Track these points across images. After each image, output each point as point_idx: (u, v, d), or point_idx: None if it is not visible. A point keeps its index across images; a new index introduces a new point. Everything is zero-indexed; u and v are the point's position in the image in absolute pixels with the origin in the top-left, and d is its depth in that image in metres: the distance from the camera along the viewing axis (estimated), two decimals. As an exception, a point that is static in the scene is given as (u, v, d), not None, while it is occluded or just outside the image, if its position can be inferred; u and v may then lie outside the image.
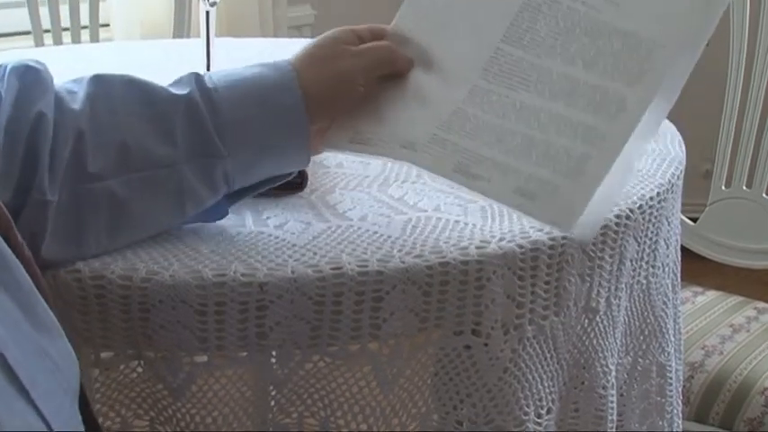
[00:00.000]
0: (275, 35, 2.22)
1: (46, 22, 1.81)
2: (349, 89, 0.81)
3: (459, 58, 0.83)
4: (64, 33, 1.84)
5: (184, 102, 0.77)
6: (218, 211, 0.82)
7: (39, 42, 1.81)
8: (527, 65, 0.80)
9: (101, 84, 0.78)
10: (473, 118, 0.79)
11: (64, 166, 0.74)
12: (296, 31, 2.36)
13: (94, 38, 1.85)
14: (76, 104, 0.76)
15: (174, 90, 0.78)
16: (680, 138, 1.07)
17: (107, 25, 2.04)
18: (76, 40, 1.83)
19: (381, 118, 0.82)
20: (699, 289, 1.56)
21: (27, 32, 1.84)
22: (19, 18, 1.87)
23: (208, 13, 1.08)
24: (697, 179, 1.85)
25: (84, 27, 1.85)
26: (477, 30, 0.83)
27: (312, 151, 0.82)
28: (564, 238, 0.81)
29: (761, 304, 1.53)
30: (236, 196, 0.82)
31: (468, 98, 0.80)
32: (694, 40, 0.78)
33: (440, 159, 0.78)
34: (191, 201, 0.78)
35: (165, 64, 1.35)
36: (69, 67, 1.32)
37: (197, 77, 0.78)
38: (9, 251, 0.59)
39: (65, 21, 1.83)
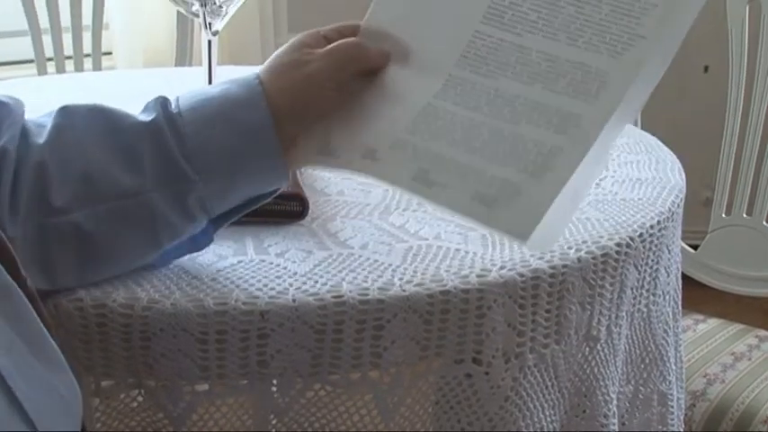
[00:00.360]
0: (277, 63, 2.23)
1: (49, 51, 1.83)
2: (318, 94, 0.77)
3: (437, 46, 0.79)
4: (67, 62, 1.85)
5: (149, 128, 0.75)
6: (203, 239, 0.80)
7: (42, 71, 1.82)
8: (507, 46, 0.76)
9: (67, 115, 0.76)
10: (443, 113, 0.76)
11: (26, 201, 0.73)
12: (297, 58, 2.37)
13: (97, 66, 1.86)
14: (41, 138, 0.75)
15: (139, 117, 0.76)
16: (680, 166, 1.08)
17: (110, 53, 2.05)
18: (79, 68, 1.84)
19: (350, 124, 0.78)
20: (700, 317, 1.56)
21: (30, 61, 1.85)
22: (22, 47, 1.88)
23: (210, 42, 1.08)
24: (697, 206, 1.85)
25: (87, 55, 1.86)
26: (457, 12, 0.79)
27: (292, 165, 0.79)
28: (565, 266, 0.82)
29: (762, 332, 1.52)
30: (220, 220, 0.80)
31: (442, 91, 0.77)
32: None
33: (399, 168, 0.75)
34: (165, 230, 0.76)
35: (167, 92, 1.35)
36: (71, 95, 1.33)
37: (163, 102, 0.77)
38: (15, 285, 0.60)
39: (68, 49, 1.84)
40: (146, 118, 0.76)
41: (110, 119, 0.76)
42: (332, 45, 0.78)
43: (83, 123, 0.76)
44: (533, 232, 0.68)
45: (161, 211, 0.75)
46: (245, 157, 0.75)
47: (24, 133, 0.75)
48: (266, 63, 0.78)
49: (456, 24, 0.79)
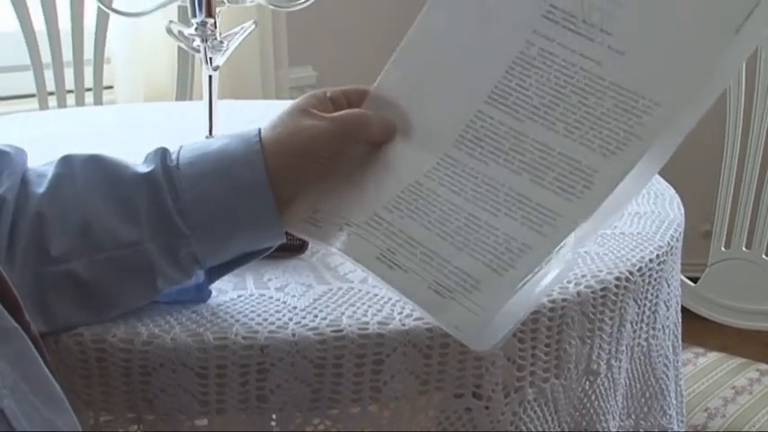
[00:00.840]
0: (277, 96, 2.24)
1: (50, 85, 1.84)
2: (317, 160, 0.76)
3: (439, 122, 0.78)
4: (68, 95, 1.86)
5: (146, 181, 0.75)
6: (201, 292, 0.80)
7: (43, 105, 1.83)
8: (504, 130, 0.75)
9: (67, 164, 0.77)
10: (426, 194, 0.75)
11: (23, 250, 0.73)
12: (298, 92, 2.38)
13: (98, 100, 1.87)
14: (41, 188, 0.75)
15: (138, 168, 0.76)
16: (678, 200, 1.08)
17: (111, 87, 2.06)
18: (80, 102, 1.85)
19: (338, 193, 0.78)
20: (700, 350, 1.56)
21: (32, 95, 1.86)
22: (24, 81, 1.89)
23: (211, 77, 1.09)
24: (697, 239, 1.86)
25: (89, 89, 1.87)
26: (464, 89, 0.78)
27: (287, 224, 0.78)
28: (564, 300, 0.82)
29: (763, 366, 1.52)
30: (217, 273, 0.80)
31: (433, 170, 0.76)
32: (699, 98, 0.71)
33: (368, 245, 0.74)
34: (161, 280, 0.76)
35: (167, 126, 1.36)
36: (73, 130, 1.33)
37: (162, 154, 0.76)
38: (19, 329, 0.60)
39: (69, 83, 1.85)
40: (143, 170, 0.76)
41: (108, 169, 0.77)
42: (338, 114, 0.78)
43: (82, 174, 0.76)
44: (479, 333, 0.68)
45: (156, 260, 0.75)
46: (239, 215, 0.75)
47: (24, 182, 0.76)
48: (270, 120, 0.78)
49: (461, 101, 0.78)
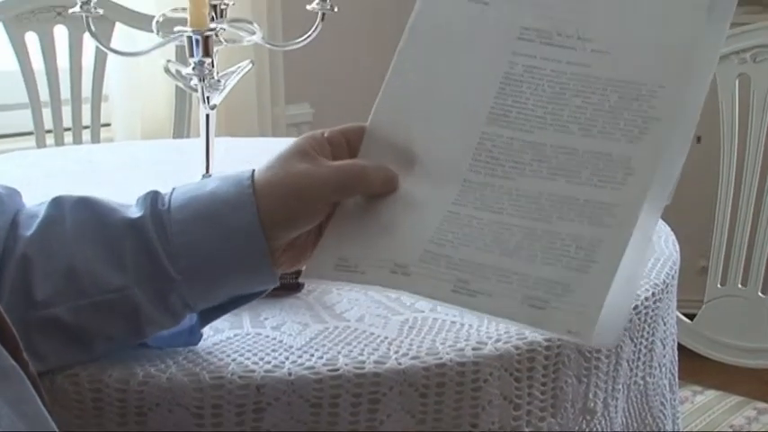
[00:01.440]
0: (274, 134, 2.25)
1: (48, 123, 1.84)
2: (312, 209, 0.74)
3: (445, 150, 0.77)
4: (65, 133, 1.87)
5: (135, 225, 0.74)
6: (193, 335, 0.79)
7: (41, 143, 1.84)
8: (518, 144, 0.74)
9: (57, 206, 0.76)
10: (467, 220, 0.73)
11: (8, 294, 0.73)
12: (294, 129, 2.39)
13: (96, 138, 1.87)
14: (29, 230, 0.75)
15: (127, 213, 0.75)
16: (673, 237, 1.08)
17: (108, 125, 2.07)
18: (78, 140, 1.86)
19: (367, 238, 0.75)
20: (698, 388, 1.56)
21: (29, 133, 1.86)
22: (21, 119, 1.90)
23: (208, 116, 1.10)
24: (693, 275, 1.86)
25: (86, 127, 1.87)
26: (460, 114, 0.77)
27: (281, 268, 0.76)
28: (560, 339, 0.82)
29: (761, 404, 1.52)
30: (209, 317, 0.78)
31: (460, 197, 0.74)
32: (698, 73, 0.73)
33: (436, 281, 0.71)
34: (148, 325, 0.75)
35: (164, 164, 1.36)
36: (70, 167, 1.34)
37: (153, 198, 0.75)
38: (17, 368, 0.60)
39: (66, 121, 1.86)
40: (133, 214, 0.75)
41: (97, 213, 0.76)
42: (337, 164, 0.76)
43: (71, 216, 0.76)
44: (594, 328, 0.66)
45: (143, 306, 0.74)
46: (230, 260, 0.74)
47: (14, 224, 0.76)
48: (265, 163, 0.76)
49: (461, 126, 0.77)
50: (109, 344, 0.76)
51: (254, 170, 0.76)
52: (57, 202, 0.77)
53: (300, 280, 0.78)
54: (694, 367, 1.52)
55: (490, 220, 0.73)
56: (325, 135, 0.78)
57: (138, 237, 0.74)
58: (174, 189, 0.76)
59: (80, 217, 0.76)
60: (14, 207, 0.78)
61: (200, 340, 0.80)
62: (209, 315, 0.78)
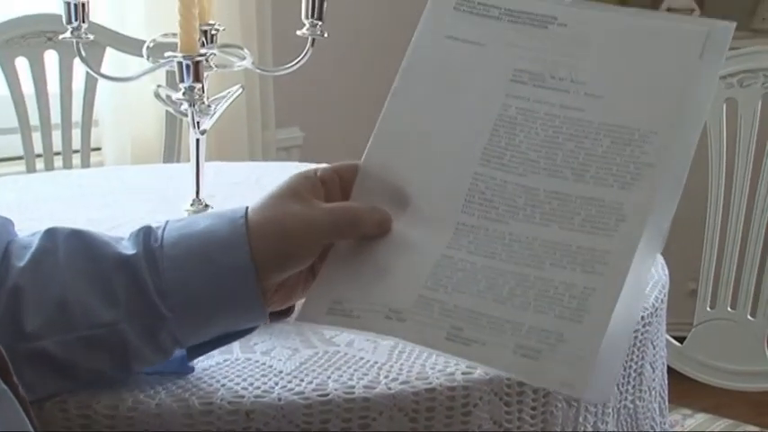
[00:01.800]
0: (264, 157, 2.25)
1: (38, 147, 1.84)
2: (305, 251, 0.74)
3: (438, 191, 0.77)
4: (55, 157, 1.86)
5: (127, 261, 0.74)
6: (183, 364, 0.79)
7: (31, 168, 1.83)
8: (512, 188, 0.74)
9: (50, 238, 0.76)
10: (461, 264, 0.73)
11: None
12: (285, 153, 2.39)
13: (86, 162, 1.87)
14: (22, 261, 0.75)
15: (120, 249, 0.75)
16: (662, 261, 1.09)
17: (98, 149, 2.07)
18: (68, 164, 1.85)
19: (361, 281, 0.75)
20: (688, 411, 1.56)
21: (19, 158, 1.86)
22: (11, 144, 1.90)
23: (198, 141, 1.10)
24: (683, 298, 1.86)
25: (76, 151, 1.87)
26: (453, 155, 0.77)
27: (272, 306, 0.76)
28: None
29: (751, 428, 1.52)
30: (197, 352, 0.78)
31: (454, 240, 0.74)
32: (689, 120, 0.73)
33: (429, 328, 0.71)
34: (136, 360, 0.75)
35: (155, 188, 1.36)
36: (60, 192, 1.34)
37: (146, 233, 0.76)
38: (8, 391, 0.60)
39: (56, 145, 1.86)
40: (126, 250, 0.75)
41: (90, 246, 0.76)
42: (331, 207, 0.76)
43: (64, 248, 0.76)
44: (588, 381, 0.66)
45: (132, 342, 0.74)
46: (221, 299, 0.74)
47: (6, 255, 0.76)
48: (258, 201, 0.76)
49: (454, 166, 0.77)
50: (96, 376, 0.76)
51: (247, 207, 0.75)
52: (50, 234, 0.77)
53: (293, 322, 0.78)
54: (684, 390, 1.52)
55: (483, 265, 0.73)
56: (318, 174, 0.77)
57: (130, 273, 0.74)
58: (167, 223, 0.76)
59: (73, 250, 0.75)
60: (7, 237, 0.78)
61: (192, 371, 0.80)
62: (198, 349, 0.78)
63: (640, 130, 0.73)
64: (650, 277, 1.02)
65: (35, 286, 0.74)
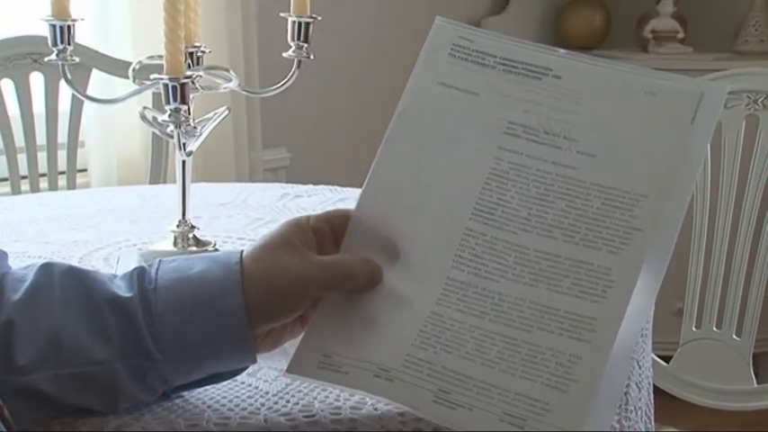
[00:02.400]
0: (251, 178, 2.25)
1: (23, 169, 1.84)
2: (291, 302, 0.76)
3: (430, 244, 0.77)
4: (41, 179, 1.86)
5: (121, 301, 0.75)
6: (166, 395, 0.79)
7: (16, 189, 1.83)
8: (502, 245, 0.74)
9: (45, 273, 0.76)
10: (449, 323, 0.73)
11: None
12: (272, 174, 2.39)
13: (71, 184, 1.87)
14: (17, 294, 0.75)
15: (114, 286, 0.76)
16: (648, 281, 1.09)
17: (84, 170, 2.07)
18: (53, 186, 1.85)
19: (350, 334, 0.75)
20: (674, 430, 1.56)
21: (4, 179, 1.86)
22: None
23: (184, 162, 1.10)
24: (669, 317, 1.87)
25: (62, 173, 1.87)
26: (445, 208, 0.77)
27: (260, 350, 0.78)
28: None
29: (736, 446, 1.52)
30: (182, 387, 0.78)
31: (443, 297, 0.74)
32: (680, 184, 0.74)
33: (418, 389, 0.72)
34: (123, 399, 0.75)
35: (141, 210, 1.36)
36: (46, 213, 1.33)
37: (140, 275, 0.76)
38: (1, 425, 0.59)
39: (42, 167, 1.85)
40: (121, 291, 0.75)
41: (85, 284, 0.76)
42: (324, 260, 0.77)
43: (59, 284, 0.76)
44: None
45: (122, 381, 0.74)
46: (212, 343, 0.75)
47: (1, 287, 0.75)
48: (252, 247, 0.77)
49: (445, 221, 0.77)
50: (78, 412, 0.76)
51: (242, 252, 0.76)
52: (46, 269, 0.77)
53: (284, 376, 0.78)
54: (670, 409, 1.52)
55: (472, 325, 0.73)
56: (311, 224, 0.78)
57: (125, 314, 0.74)
58: (160, 263, 0.77)
59: (68, 286, 0.76)
60: (0, 269, 0.78)
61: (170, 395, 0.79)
62: (184, 385, 0.78)
63: (630, 194, 0.73)
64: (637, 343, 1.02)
65: (29, 320, 0.74)
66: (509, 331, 0.72)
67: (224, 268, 0.75)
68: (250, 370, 0.84)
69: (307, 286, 0.76)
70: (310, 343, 0.76)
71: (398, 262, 0.77)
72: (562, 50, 0.80)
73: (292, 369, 0.77)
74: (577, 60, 0.79)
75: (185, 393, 0.79)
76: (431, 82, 0.81)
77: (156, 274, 0.76)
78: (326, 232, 0.79)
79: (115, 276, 0.78)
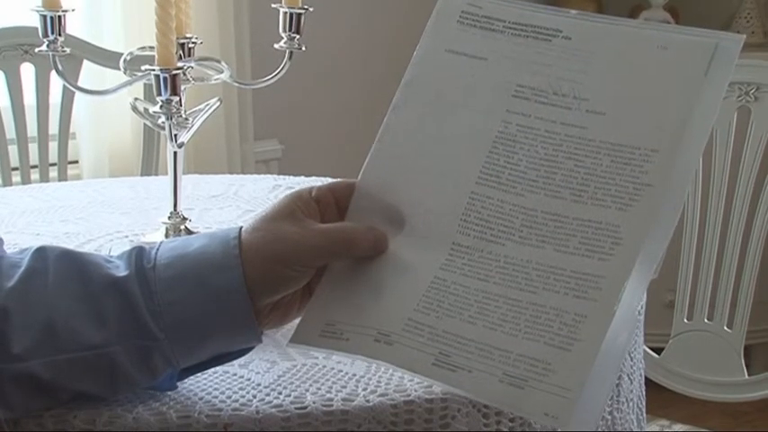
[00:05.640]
0: (243, 170, 2.24)
1: (14, 160, 1.83)
2: (292, 271, 0.74)
3: (435, 211, 0.76)
4: (32, 170, 1.85)
5: (119, 282, 0.74)
6: (171, 380, 0.78)
7: (6, 181, 1.82)
8: (509, 208, 0.74)
9: (40, 258, 0.75)
10: (453, 288, 0.72)
11: None
12: (263, 165, 2.39)
13: (63, 175, 1.86)
14: (10, 281, 0.74)
15: (112, 270, 0.75)
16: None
17: (76, 162, 2.06)
18: (45, 177, 1.84)
19: (354, 302, 0.74)
20: (666, 422, 1.56)
21: (-5, 171, 1.85)
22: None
23: (176, 154, 1.10)
24: (661, 309, 1.87)
25: (53, 164, 1.86)
26: (451, 174, 0.76)
27: (266, 327, 0.77)
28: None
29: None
30: (187, 372, 0.78)
31: (448, 262, 0.74)
32: (692, 139, 0.72)
33: (417, 352, 0.71)
34: (122, 383, 0.75)
35: (132, 202, 1.36)
36: (37, 205, 1.33)
37: (138, 254, 0.75)
38: None
39: (33, 158, 1.85)
40: (118, 271, 0.74)
41: (80, 268, 0.75)
42: (325, 227, 0.75)
43: (53, 269, 0.75)
44: (573, 413, 0.65)
45: (122, 365, 0.73)
46: (214, 320, 0.73)
47: None
48: (252, 222, 0.75)
49: (450, 185, 0.76)
50: (79, 398, 0.75)
51: (241, 228, 0.75)
52: (40, 254, 0.76)
53: (287, 346, 0.77)
54: (662, 401, 1.52)
55: (477, 289, 0.72)
56: (313, 194, 0.77)
57: (123, 294, 0.73)
58: (160, 244, 0.76)
59: (63, 271, 0.75)
60: None
61: (175, 388, 0.79)
62: (189, 370, 0.77)
63: (641, 149, 0.72)
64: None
65: (23, 307, 0.73)
66: (513, 293, 0.71)
67: (223, 243, 0.74)
68: (242, 361, 0.84)
69: (308, 253, 0.74)
70: (314, 312, 0.75)
71: (404, 229, 0.76)
72: (573, 11, 0.79)
73: (296, 339, 0.75)
74: (588, 20, 0.78)
75: (177, 384, 0.79)
76: (438, 50, 0.80)
77: (156, 253, 0.75)
78: (330, 203, 0.77)
79: (111, 257, 0.77)
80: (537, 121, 0.75)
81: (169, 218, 1.12)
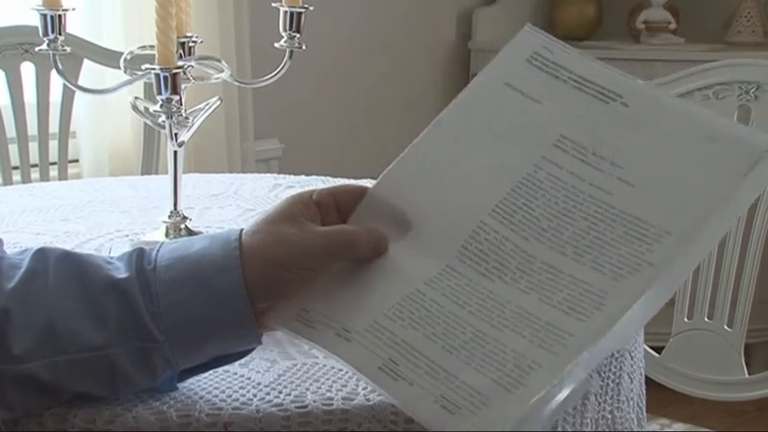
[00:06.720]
0: (243, 169, 2.25)
1: (15, 159, 1.83)
2: (292, 274, 0.74)
3: (441, 229, 0.76)
4: (32, 169, 1.85)
5: (120, 284, 0.74)
6: (171, 380, 0.78)
7: (7, 180, 1.82)
8: (510, 248, 0.74)
9: (40, 260, 0.76)
10: (428, 303, 0.73)
11: None
12: (264, 164, 2.39)
13: (63, 174, 1.86)
14: (11, 282, 0.74)
15: (112, 272, 0.75)
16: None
17: (76, 161, 2.06)
18: (45, 176, 1.84)
19: (333, 294, 0.75)
20: (666, 421, 1.56)
21: (-5, 170, 1.85)
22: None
23: (176, 153, 1.10)
24: (661, 308, 1.87)
25: (53, 163, 1.86)
26: (468, 198, 0.77)
27: (266, 329, 0.77)
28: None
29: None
30: (187, 374, 0.78)
31: (435, 279, 0.74)
32: (709, 232, 0.71)
33: (370, 354, 0.72)
34: (122, 384, 0.75)
35: (132, 201, 1.36)
36: (36, 204, 1.33)
37: (138, 255, 0.75)
38: None
39: (33, 157, 1.85)
40: (118, 273, 0.75)
41: (81, 269, 0.75)
42: (326, 229, 0.76)
43: (54, 270, 0.75)
44: None
45: (122, 366, 0.73)
46: (214, 321, 0.74)
47: None
48: (253, 224, 0.76)
49: (464, 210, 0.77)
50: (78, 399, 0.75)
51: (242, 230, 0.75)
52: (40, 255, 0.76)
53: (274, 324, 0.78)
54: (662, 400, 1.52)
55: (449, 311, 0.73)
56: (314, 197, 0.77)
57: (123, 296, 0.73)
58: (160, 245, 0.76)
59: (63, 272, 0.75)
60: None
61: (175, 389, 0.79)
62: (188, 371, 0.77)
63: (655, 228, 0.71)
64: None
65: (24, 308, 0.73)
66: (482, 325, 0.71)
67: (223, 245, 0.74)
68: (242, 361, 0.84)
69: (307, 256, 0.74)
70: (297, 298, 0.76)
71: (406, 237, 0.77)
72: (640, 81, 0.79)
73: (274, 318, 0.76)
74: (651, 92, 0.78)
75: (177, 385, 0.79)
76: (498, 81, 0.81)
77: (156, 254, 0.75)
78: (331, 206, 0.78)
79: (112, 258, 0.77)
80: (567, 175, 0.75)
81: (169, 217, 1.12)
